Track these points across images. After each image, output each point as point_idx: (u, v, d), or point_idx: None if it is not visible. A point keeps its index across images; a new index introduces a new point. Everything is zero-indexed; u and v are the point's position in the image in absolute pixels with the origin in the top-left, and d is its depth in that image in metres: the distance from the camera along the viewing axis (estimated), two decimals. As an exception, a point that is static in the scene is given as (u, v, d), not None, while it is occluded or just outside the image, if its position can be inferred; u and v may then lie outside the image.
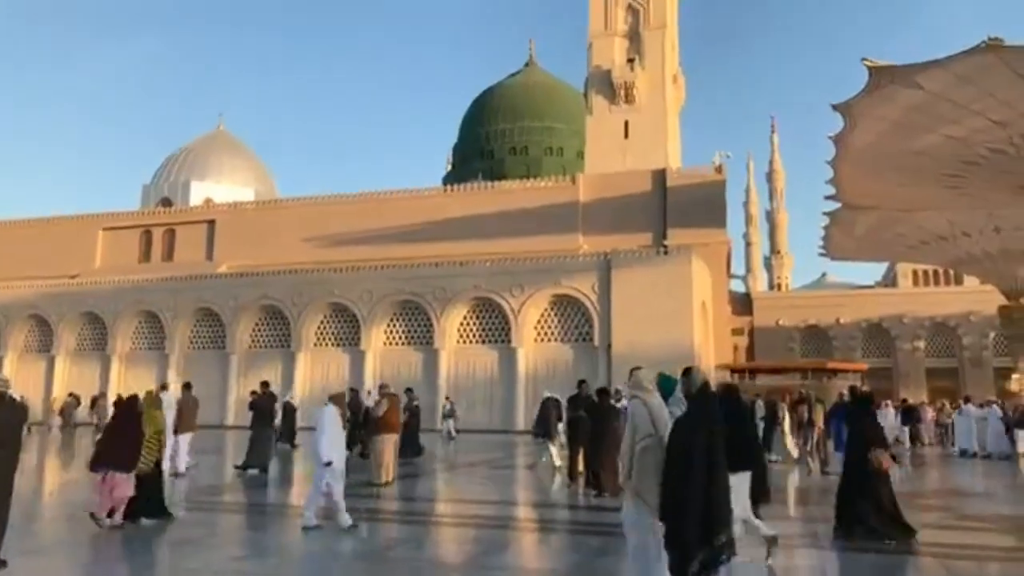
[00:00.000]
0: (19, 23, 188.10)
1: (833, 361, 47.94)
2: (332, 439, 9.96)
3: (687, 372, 6.62)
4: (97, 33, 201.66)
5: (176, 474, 15.45)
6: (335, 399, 10.54)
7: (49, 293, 50.69)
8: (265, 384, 19.34)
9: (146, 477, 10.28)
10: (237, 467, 17.11)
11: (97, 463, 10.12)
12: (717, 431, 6.17)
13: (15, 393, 9.81)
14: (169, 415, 14.53)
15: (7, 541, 7.64)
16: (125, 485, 9.89)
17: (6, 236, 61.16)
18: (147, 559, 8.92)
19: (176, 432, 15.50)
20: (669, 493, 6.09)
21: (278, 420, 21.63)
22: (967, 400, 26.77)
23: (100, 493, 9.92)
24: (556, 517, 12.38)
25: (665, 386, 6.86)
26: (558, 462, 17.52)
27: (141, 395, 11.07)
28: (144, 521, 10.11)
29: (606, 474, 12.88)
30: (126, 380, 46.34)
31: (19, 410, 8.36)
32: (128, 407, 10.68)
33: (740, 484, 7.70)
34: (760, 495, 8.23)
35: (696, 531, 5.92)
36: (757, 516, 8.14)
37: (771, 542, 8.04)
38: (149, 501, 10.34)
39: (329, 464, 9.72)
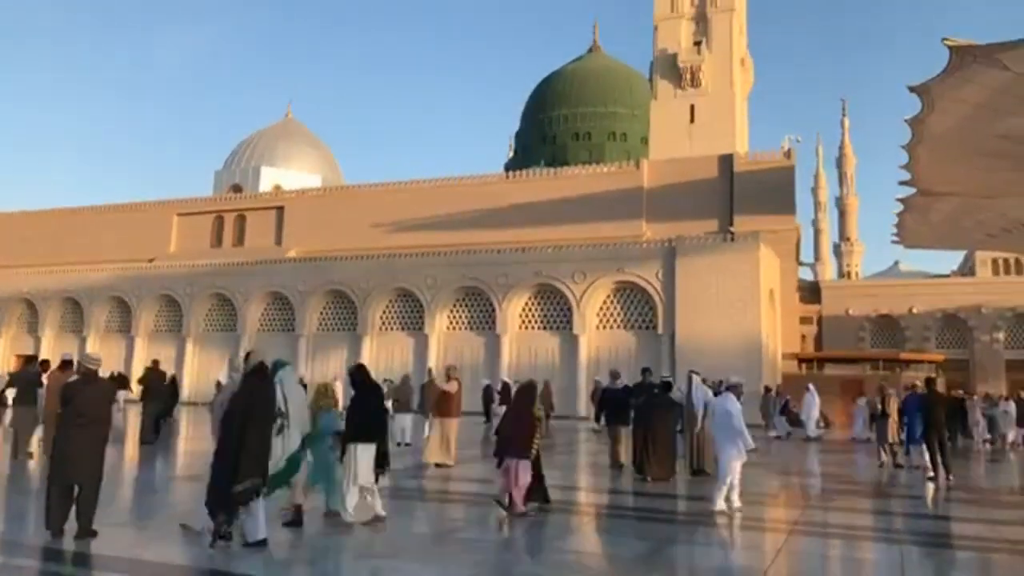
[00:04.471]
0: (91, 12, 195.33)
1: (906, 352, 46.52)
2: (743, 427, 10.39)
3: (248, 356, 8.27)
4: (166, 23, 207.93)
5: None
6: (734, 388, 10.92)
7: (128, 276, 52.79)
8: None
9: (536, 462, 10.20)
10: None
11: (499, 451, 10.03)
12: (256, 402, 7.66)
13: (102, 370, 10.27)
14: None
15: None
16: (526, 472, 9.73)
17: (88, 221, 63.82)
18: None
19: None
20: (215, 453, 7.66)
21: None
22: None
23: (507, 481, 9.80)
24: (615, 503, 12.41)
25: (276, 367, 8.35)
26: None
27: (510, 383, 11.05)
28: (543, 505, 10.15)
29: (652, 462, 13.36)
30: (199, 360, 48.09)
31: (108, 387, 8.82)
32: (527, 394, 10.49)
33: (365, 454, 8.85)
34: (381, 466, 9.14)
35: (225, 482, 7.30)
36: (374, 483, 9.03)
37: (376, 519, 8.91)
38: (541, 484, 10.31)
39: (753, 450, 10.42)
